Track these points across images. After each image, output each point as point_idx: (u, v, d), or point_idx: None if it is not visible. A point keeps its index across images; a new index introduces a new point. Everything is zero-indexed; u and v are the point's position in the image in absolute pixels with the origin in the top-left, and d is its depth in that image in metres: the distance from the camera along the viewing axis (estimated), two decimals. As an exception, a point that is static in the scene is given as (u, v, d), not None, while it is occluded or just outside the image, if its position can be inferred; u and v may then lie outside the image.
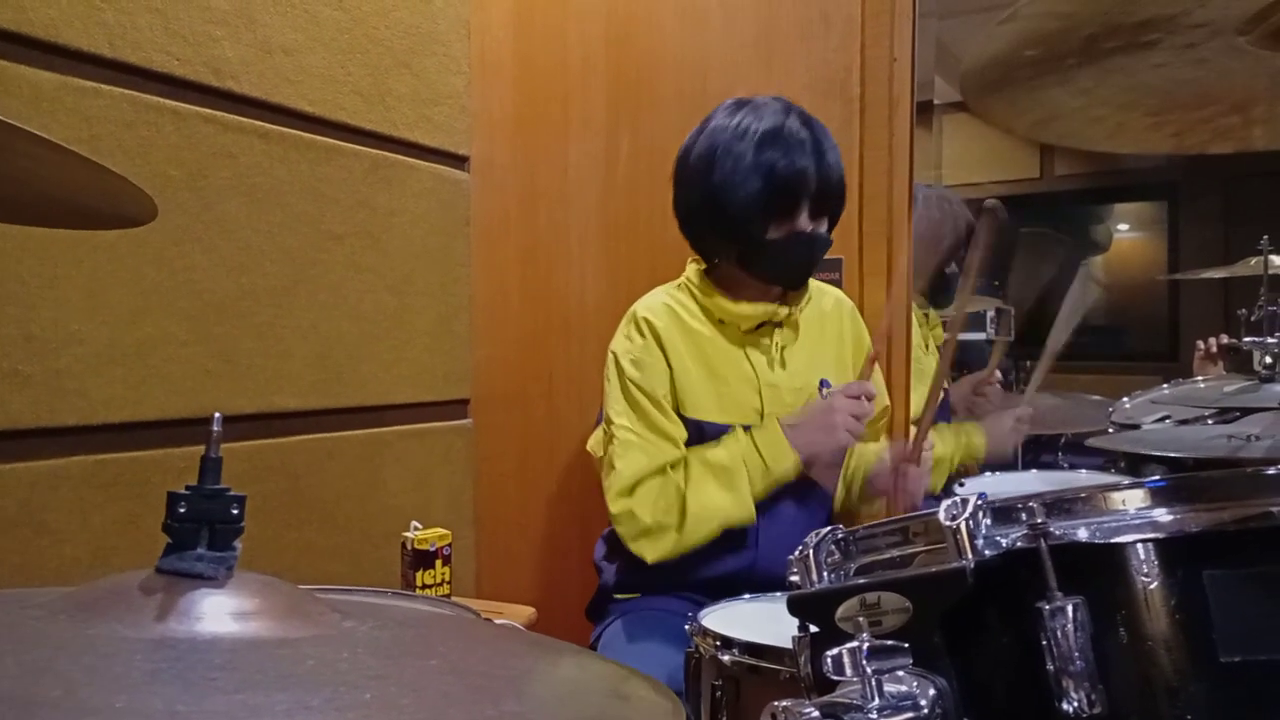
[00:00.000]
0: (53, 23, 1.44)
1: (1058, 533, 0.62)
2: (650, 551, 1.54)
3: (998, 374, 2.47)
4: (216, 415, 0.59)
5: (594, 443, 1.74)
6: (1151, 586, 0.62)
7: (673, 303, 1.66)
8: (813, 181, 1.55)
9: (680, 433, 1.58)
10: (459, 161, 2.23)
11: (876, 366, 1.74)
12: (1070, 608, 0.60)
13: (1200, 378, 2.78)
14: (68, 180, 0.83)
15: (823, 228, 1.61)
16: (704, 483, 1.54)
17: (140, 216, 0.91)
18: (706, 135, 1.62)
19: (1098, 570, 0.63)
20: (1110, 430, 2.55)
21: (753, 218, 1.56)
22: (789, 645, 0.76)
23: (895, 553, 0.71)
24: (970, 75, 0.78)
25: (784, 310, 1.63)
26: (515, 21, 2.23)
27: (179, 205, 1.61)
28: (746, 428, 1.58)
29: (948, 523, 0.64)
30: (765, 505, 1.57)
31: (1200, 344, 2.99)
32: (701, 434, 1.59)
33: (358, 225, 1.95)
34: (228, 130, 1.69)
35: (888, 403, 1.81)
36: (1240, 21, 0.76)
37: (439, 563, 1.71)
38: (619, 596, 1.66)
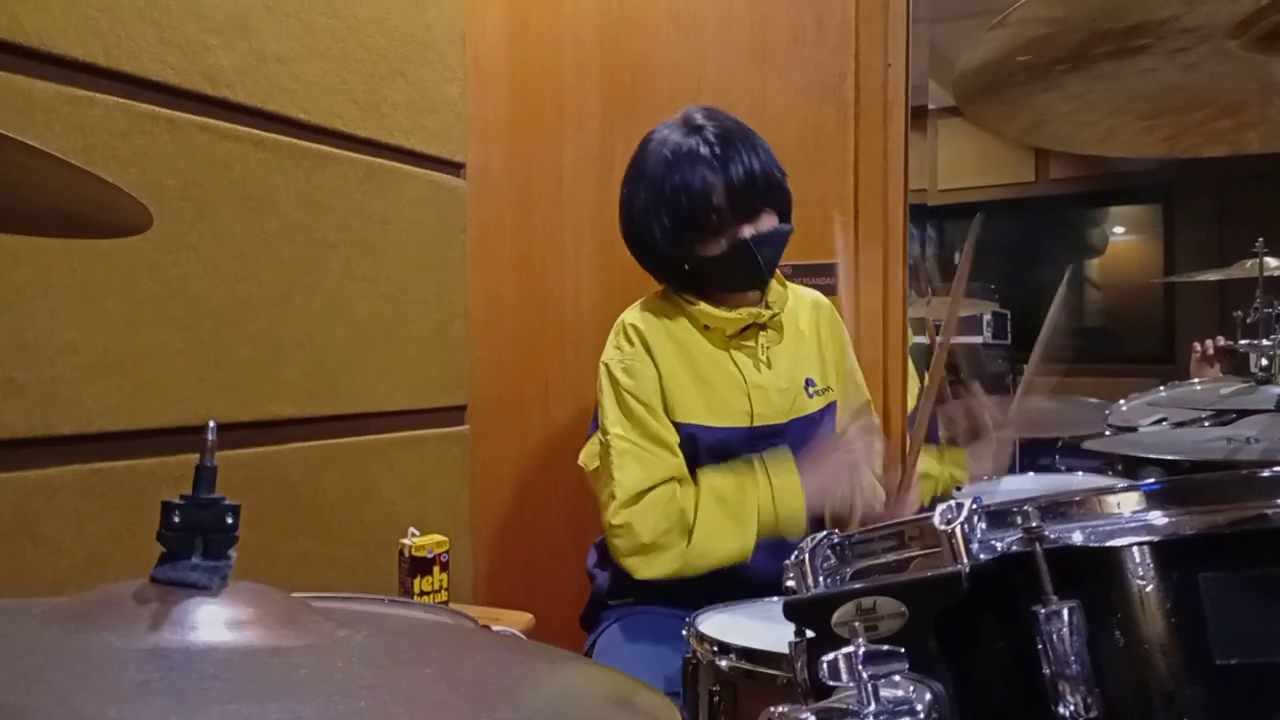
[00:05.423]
0: (47, 32, 1.44)
1: (1053, 536, 0.62)
2: (643, 569, 1.52)
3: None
4: (211, 423, 0.58)
5: (586, 456, 1.72)
6: (1147, 589, 0.62)
7: (658, 310, 1.66)
8: (720, 195, 1.54)
9: (675, 438, 1.58)
10: (454, 168, 2.23)
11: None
12: (1066, 611, 0.60)
13: (1196, 380, 2.79)
14: (62, 189, 0.83)
15: (767, 224, 1.59)
16: (713, 521, 1.51)
17: (135, 225, 0.91)
18: (630, 170, 1.66)
19: (1093, 573, 0.63)
20: (1107, 433, 2.55)
21: (675, 246, 1.59)
22: (785, 650, 0.76)
23: (891, 557, 0.71)
24: (963, 80, 0.79)
25: (767, 313, 1.64)
26: (509, 28, 2.24)
27: (174, 214, 1.61)
28: (742, 439, 1.58)
29: (943, 527, 0.64)
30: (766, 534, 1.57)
31: (1196, 346, 2.99)
32: (694, 440, 1.59)
33: (353, 233, 1.95)
34: (223, 139, 1.69)
35: (867, 396, 1.81)
36: (1230, 25, 0.76)
37: (436, 569, 1.70)
38: (613, 603, 1.66)
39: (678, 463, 1.57)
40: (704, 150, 1.55)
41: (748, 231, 1.57)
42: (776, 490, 1.54)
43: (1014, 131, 0.90)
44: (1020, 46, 0.75)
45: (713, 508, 1.52)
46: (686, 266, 1.62)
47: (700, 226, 1.56)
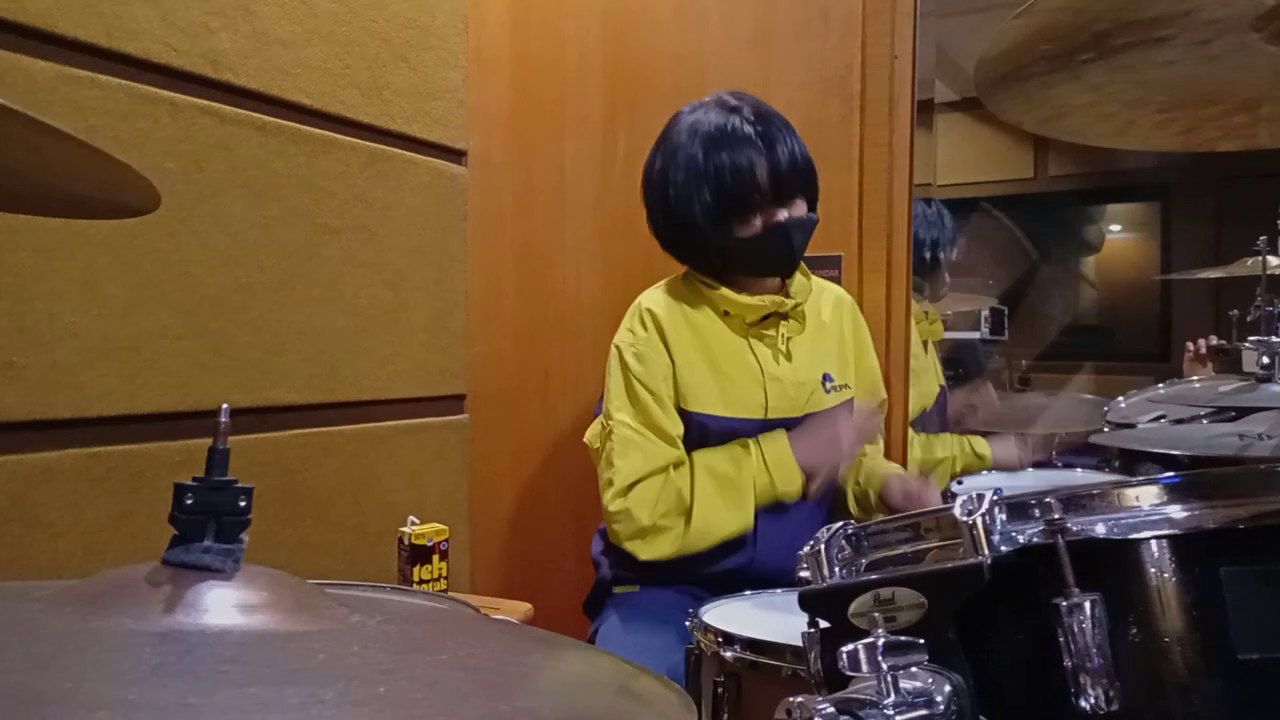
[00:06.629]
0: (49, 12, 1.42)
1: (1075, 529, 0.62)
2: (645, 551, 1.52)
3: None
4: (224, 406, 0.58)
5: (591, 435, 1.72)
6: (1169, 583, 0.61)
7: (677, 295, 1.64)
8: (764, 175, 1.54)
9: (678, 429, 1.57)
10: (456, 156, 2.21)
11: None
12: (1088, 604, 0.59)
13: (1194, 378, 2.79)
14: (65, 168, 0.82)
15: (799, 210, 1.59)
16: (710, 497, 1.53)
17: (141, 206, 0.90)
18: (660, 149, 1.64)
19: (1114, 567, 0.62)
20: (1105, 429, 2.55)
21: (714, 224, 1.57)
22: (791, 641, 0.75)
23: (907, 548, 0.70)
24: (984, 68, 0.78)
25: (789, 302, 1.62)
26: (512, 17, 2.23)
27: (175, 198, 1.60)
28: (753, 431, 1.58)
29: (964, 518, 0.63)
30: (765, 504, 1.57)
31: (1190, 345, 2.99)
32: (704, 429, 1.57)
33: (354, 219, 1.93)
34: (225, 122, 1.67)
35: (884, 396, 1.81)
36: (1253, 17, 0.76)
37: (436, 558, 1.70)
38: (618, 590, 1.65)
39: (678, 454, 1.56)
40: (747, 129, 1.55)
41: (783, 215, 1.57)
42: (769, 455, 1.54)
43: (1031, 122, 0.90)
44: (1044, 35, 0.74)
45: (708, 485, 1.53)
46: (719, 247, 1.60)
47: (741, 204, 1.55)
